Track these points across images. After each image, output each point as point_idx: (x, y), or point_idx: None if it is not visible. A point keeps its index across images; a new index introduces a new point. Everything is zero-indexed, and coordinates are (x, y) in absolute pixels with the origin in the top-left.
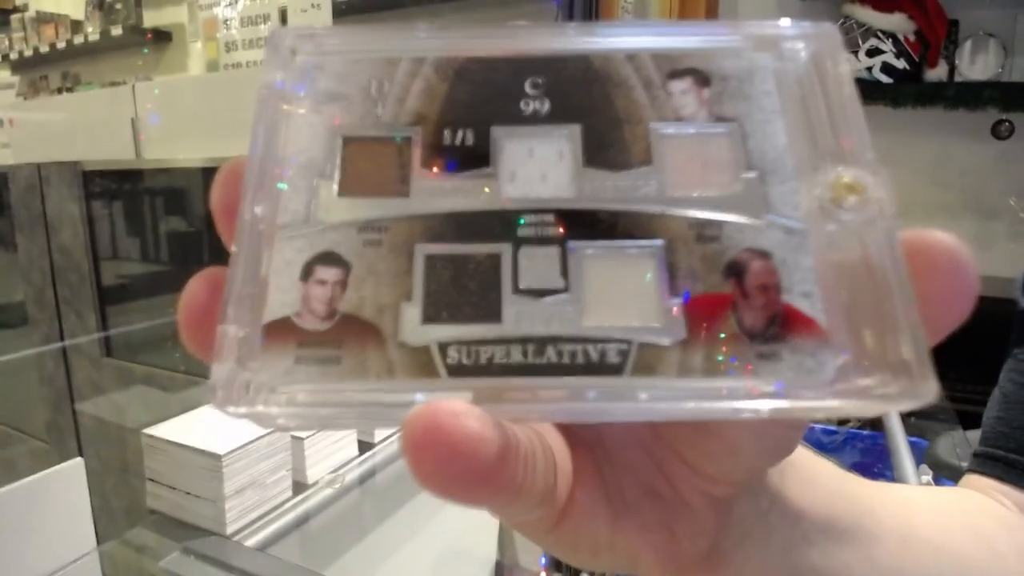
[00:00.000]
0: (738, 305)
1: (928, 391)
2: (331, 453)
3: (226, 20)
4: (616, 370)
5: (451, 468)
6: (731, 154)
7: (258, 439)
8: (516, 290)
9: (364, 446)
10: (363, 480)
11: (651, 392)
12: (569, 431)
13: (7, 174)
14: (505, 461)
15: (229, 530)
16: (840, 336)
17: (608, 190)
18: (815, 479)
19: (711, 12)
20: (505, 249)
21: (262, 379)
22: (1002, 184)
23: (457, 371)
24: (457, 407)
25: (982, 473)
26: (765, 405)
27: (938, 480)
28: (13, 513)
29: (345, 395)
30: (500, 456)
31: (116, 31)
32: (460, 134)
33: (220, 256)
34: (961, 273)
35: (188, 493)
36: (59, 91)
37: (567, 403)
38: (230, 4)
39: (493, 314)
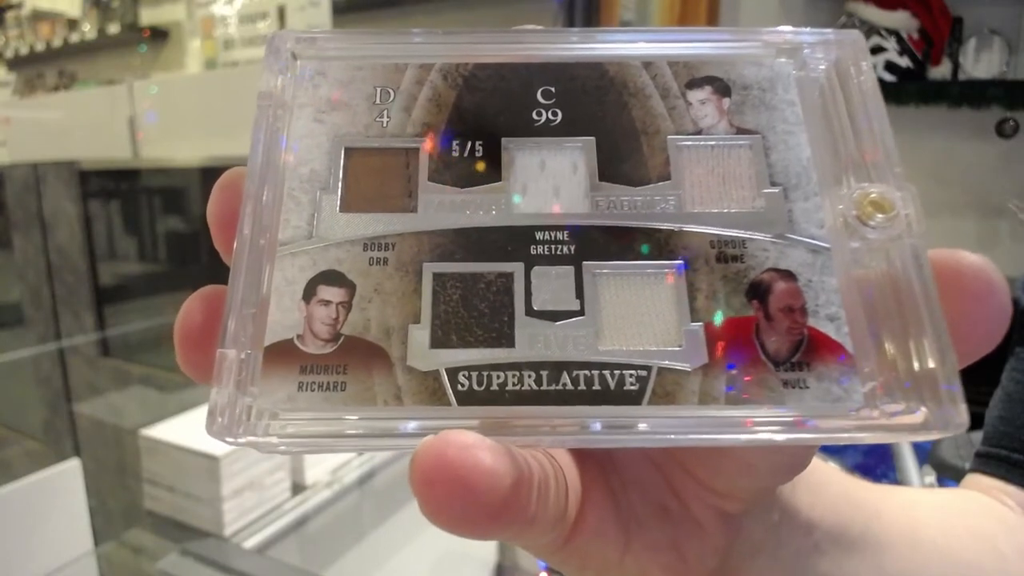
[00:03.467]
0: (762, 328)
1: (959, 420)
2: (330, 454)
3: (224, 18)
4: (634, 399)
5: (464, 504)
6: (753, 168)
7: None
8: (529, 312)
9: None
10: (362, 482)
11: (669, 423)
12: (578, 448)
13: (3, 173)
14: (518, 493)
15: (227, 531)
16: (867, 362)
17: (624, 205)
18: (823, 487)
19: (712, 9)
20: (517, 268)
21: (263, 405)
22: (1006, 183)
23: (467, 398)
24: (468, 439)
25: (985, 473)
26: (787, 436)
27: (942, 481)
28: (10, 514)
29: (350, 423)
30: (513, 489)
31: (113, 29)
32: (469, 146)
33: (218, 257)
34: (994, 298)
35: (186, 494)
36: (55, 89)
37: (582, 434)
38: (228, 2)
39: (505, 337)
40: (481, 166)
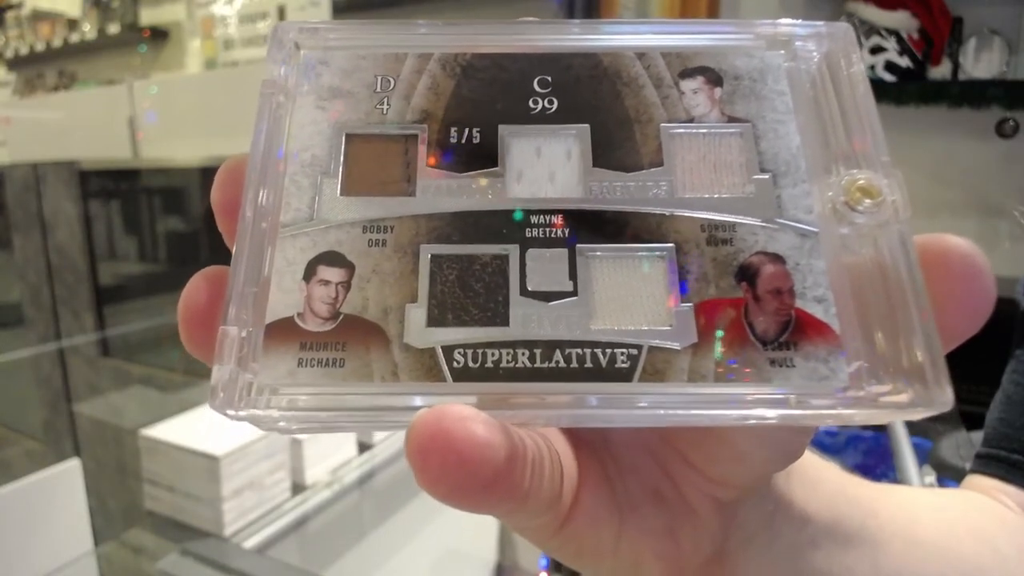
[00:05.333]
0: (750, 310)
1: (943, 399)
2: (330, 454)
3: (224, 18)
4: (625, 376)
5: (457, 474)
6: (743, 155)
7: (257, 440)
8: (523, 292)
9: (363, 447)
10: (362, 481)
11: (660, 399)
12: (574, 433)
13: (3, 173)
14: (512, 467)
15: (227, 531)
16: (853, 342)
17: (617, 191)
18: (819, 482)
19: (712, 7)
20: (512, 250)
21: (263, 381)
22: (1006, 183)
23: (462, 375)
24: (464, 412)
25: (984, 473)
26: (775, 412)
27: (942, 481)
28: (10, 514)
29: (348, 398)
30: (507, 462)
31: (113, 29)
32: (467, 132)
33: (218, 256)
34: (978, 280)
35: (186, 494)
36: (55, 89)
37: (574, 409)
38: (228, 2)
39: (500, 317)
40: (478, 152)
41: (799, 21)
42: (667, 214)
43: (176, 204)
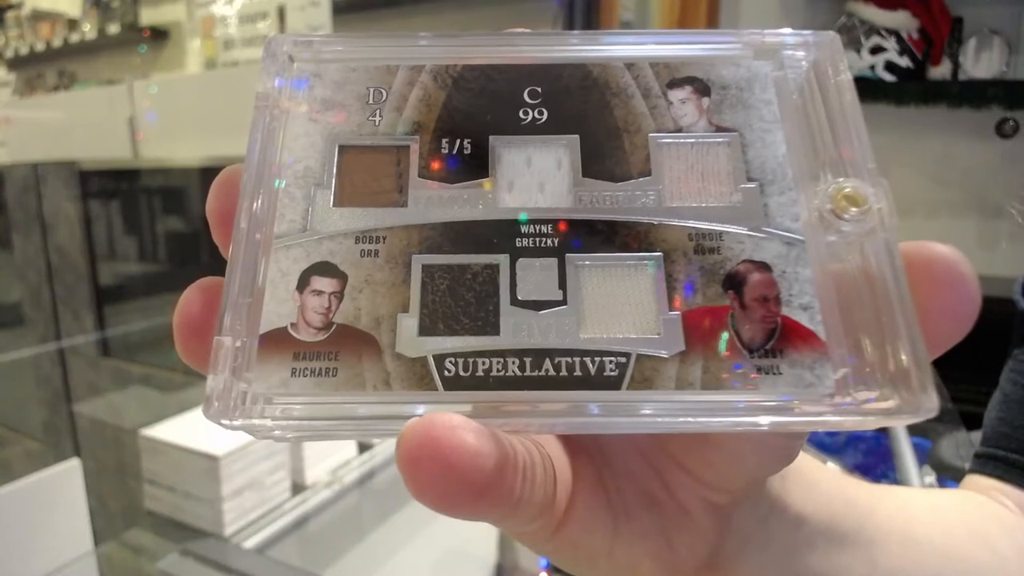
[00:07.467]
0: (737, 317)
1: (929, 406)
2: (330, 454)
3: (224, 18)
4: (614, 384)
5: (447, 482)
6: (730, 164)
7: (256, 440)
8: (514, 302)
9: (363, 447)
10: (362, 481)
11: (649, 406)
12: (568, 438)
13: (3, 173)
14: (502, 475)
15: (227, 531)
16: (840, 349)
17: (607, 200)
18: (815, 484)
19: (713, 8)
20: (503, 260)
21: (257, 390)
22: (1006, 183)
23: (454, 384)
24: (453, 420)
25: (983, 473)
26: (763, 420)
27: (942, 481)
28: (10, 514)
29: (341, 407)
30: (497, 470)
31: (113, 29)
32: (458, 143)
33: (218, 257)
34: (963, 287)
35: (186, 494)
36: (55, 89)
37: (565, 417)
38: (228, 2)
39: (490, 326)
40: (469, 163)
41: (787, 30)
42: (655, 223)
43: (176, 204)
